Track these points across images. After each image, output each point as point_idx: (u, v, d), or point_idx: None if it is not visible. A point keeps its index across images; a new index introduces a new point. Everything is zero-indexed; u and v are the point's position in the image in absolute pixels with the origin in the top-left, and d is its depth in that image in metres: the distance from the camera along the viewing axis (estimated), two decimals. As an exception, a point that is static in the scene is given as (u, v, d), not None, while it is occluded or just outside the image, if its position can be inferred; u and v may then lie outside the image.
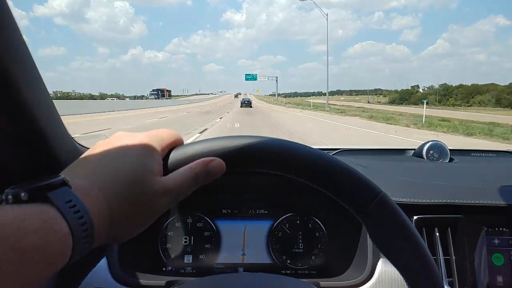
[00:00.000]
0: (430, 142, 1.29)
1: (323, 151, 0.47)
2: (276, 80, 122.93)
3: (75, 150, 0.95)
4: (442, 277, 0.77)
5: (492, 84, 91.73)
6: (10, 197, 0.32)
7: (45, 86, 0.74)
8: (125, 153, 0.40)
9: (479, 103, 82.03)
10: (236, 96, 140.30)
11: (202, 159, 0.43)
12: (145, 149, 0.41)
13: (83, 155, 0.42)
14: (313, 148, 0.47)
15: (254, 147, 0.45)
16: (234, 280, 0.59)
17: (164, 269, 0.95)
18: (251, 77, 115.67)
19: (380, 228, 0.46)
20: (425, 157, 1.27)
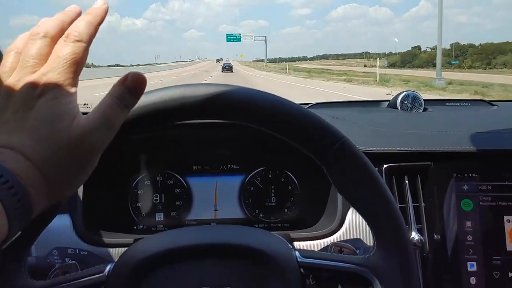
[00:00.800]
0: (404, 93, 1.27)
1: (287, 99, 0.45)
2: (265, 41, 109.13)
3: None
4: (412, 224, 0.77)
5: (508, 42, 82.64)
6: None
7: None
8: (32, 106, 0.36)
9: (504, 64, 72.30)
10: (218, 61, 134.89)
11: (117, 81, 0.40)
12: (50, 97, 0.36)
13: None
14: (271, 94, 0.44)
15: (208, 95, 0.42)
16: (198, 231, 0.58)
17: (135, 227, 0.94)
18: (234, 38, 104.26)
19: (342, 174, 0.45)
20: (399, 107, 1.26)
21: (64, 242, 0.74)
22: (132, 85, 0.39)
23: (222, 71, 47.61)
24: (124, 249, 0.77)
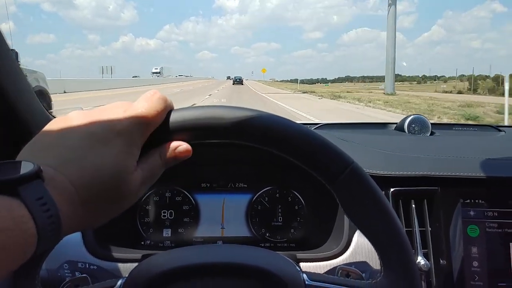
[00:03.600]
0: (412, 116, 1.28)
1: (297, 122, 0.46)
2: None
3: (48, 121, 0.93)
4: (418, 249, 0.78)
5: None
6: None
7: (14, 61, 0.73)
8: (102, 144, 0.38)
9: None
10: (228, 78, 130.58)
11: (172, 143, 0.43)
12: (125, 142, 0.39)
13: (50, 131, 0.39)
14: (284, 118, 0.46)
15: (224, 116, 0.44)
16: (208, 250, 0.59)
17: (142, 243, 0.95)
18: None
19: (351, 199, 0.46)
20: (406, 130, 1.27)
21: (74, 256, 0.76)
22: (180, 155, 0.44)
23: (233, 84, 57.92)
24: (132, 264, 0.79)
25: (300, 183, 0.96)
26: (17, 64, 0.75)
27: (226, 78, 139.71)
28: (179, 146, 0.44)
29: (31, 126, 0.80)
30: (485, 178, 0.80)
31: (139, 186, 0.40)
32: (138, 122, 0.40)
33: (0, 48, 0.68)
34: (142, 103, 0.41)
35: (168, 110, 0.43)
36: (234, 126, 0.44)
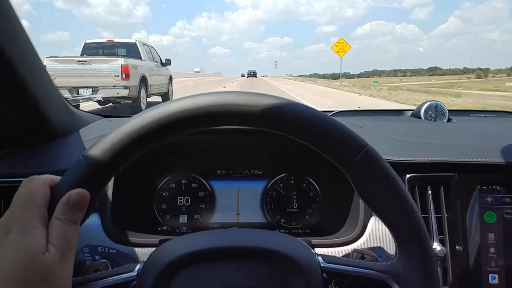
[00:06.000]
0: (428, 102, 1.26)
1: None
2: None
3: (72, 115, 0.96)
4: (434, 235, 0.77)
5: None
6: None
7: (39, 58, 0.76)
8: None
9: None
10: (242, 75, 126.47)
11: (60, 200, 0.40)
12: (17, 232, 0.37)
13: None
14: (298, 103, 0.46)
15: (238, 102, 0.44)
16: (225, 234, 0.60)
17: (159, 228, 0.96)
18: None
19: (366, 182, 0.46)
20: (423, 117, 1.25)
21: (93, 240, 0.77)
22: (75, 203, 0.40)
23: (247, 77, 69.67)
24: (150, 249, 0.80)
25: (315, 170, 0.96)
26: (41, 62, 0.78)
27: (240, 75, 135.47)
28: (68, 197, 0.40)
29: (54, 119, 0.83)
30: (503, 164, 0.79)
31: (61, 263, 0.38)
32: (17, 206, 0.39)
33: (20, 39, 0.70)
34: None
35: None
36: (251, 111, 0.44)
